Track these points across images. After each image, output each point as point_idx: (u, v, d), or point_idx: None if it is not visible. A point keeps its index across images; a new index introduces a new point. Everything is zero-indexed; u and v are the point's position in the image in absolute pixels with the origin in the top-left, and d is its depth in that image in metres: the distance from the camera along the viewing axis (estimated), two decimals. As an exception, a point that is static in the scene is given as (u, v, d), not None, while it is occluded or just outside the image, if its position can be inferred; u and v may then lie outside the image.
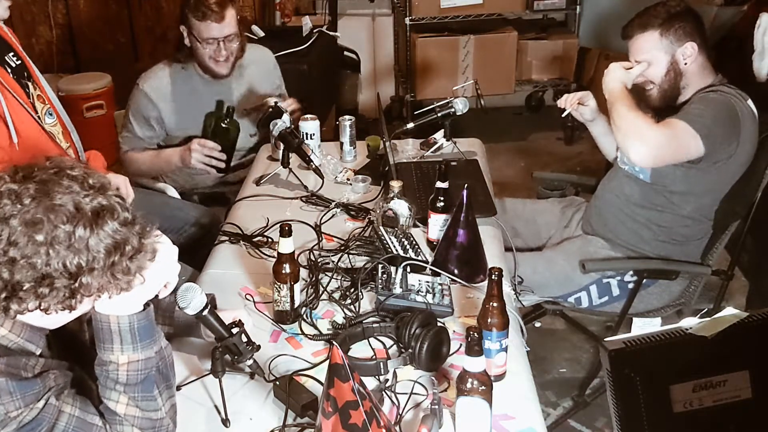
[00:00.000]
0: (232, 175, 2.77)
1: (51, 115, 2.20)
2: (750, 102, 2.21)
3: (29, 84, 2.17)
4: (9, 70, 2.09)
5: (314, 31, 4.13)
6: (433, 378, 1.57)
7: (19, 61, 2.17)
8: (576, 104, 2.43)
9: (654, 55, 2.22)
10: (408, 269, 1.85)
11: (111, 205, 1.17)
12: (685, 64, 2.21)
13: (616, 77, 2.24)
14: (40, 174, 1.16)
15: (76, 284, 1.15)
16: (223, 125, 2.66)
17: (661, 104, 2.29)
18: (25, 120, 2.06)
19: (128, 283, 1.21)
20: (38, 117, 2.13)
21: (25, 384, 1.18)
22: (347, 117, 2.65)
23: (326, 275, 1.93)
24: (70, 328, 1.40)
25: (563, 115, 2.48)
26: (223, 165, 2.62)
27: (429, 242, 2.08)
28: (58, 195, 1.13)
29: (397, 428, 1.45)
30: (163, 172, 2.80)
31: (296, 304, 1.77)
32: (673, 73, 2.22)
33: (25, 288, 1.13)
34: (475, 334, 1.34)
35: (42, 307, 1.15)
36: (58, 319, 1.23)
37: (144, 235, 1.22)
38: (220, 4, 2.56)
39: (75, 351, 1.38)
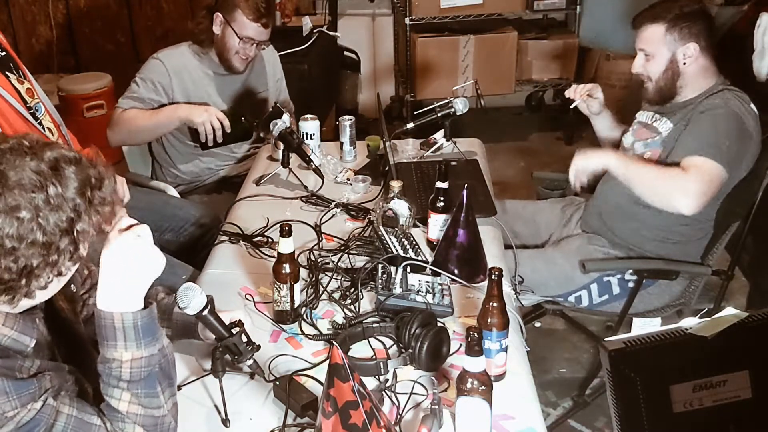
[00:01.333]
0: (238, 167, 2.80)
1: (39, 110, 2.19)
2: (752, 105, 2.21)
3: (11, 76, 2.14)
4: None
5: (314, 31, 4.13)
6: (433, 378, 1.57)
7: (3, 53, 2.15)
8: (585, 96, 2.43)
9: (656, 48, 2.23)
10: (408, 269, 1.85)
11: (59, 153, 1.20)
12: (684, 64, 2.22)
13: (597, 161, 2.26)
14: None
15: (75, 235, 1.18)
16: (243, 120, 2.67)
17: (656, 99, 2.31)
18: (5, 111, 2.04)
19: (112, 212, 1.24)
20: (29, 108, 2.11)
21: (20, 384, 1.19)
22: (347, 117, 2.65)
23: (326, 275, 1.93)
24: (66, 319, 1.41)
25: (571, 106, 2.47)
26: (219, 140, 2.60)
27: (429, 242, 2.08)
28: (11, 171, 1.15)
29: (397, 428, 1.45)
30: (157, 131, 2.71)
31: (296, 304, 1.77)
32: (671, 72, 2.23)
33: (37, 265, 1.16)
34: (475, 334, 1.34)
35: (56, 273, 1.20)
36: (54, 285, 1.25)
37: (95, 164, 1.24)
38: (270, 10, 2.64)
39: (72, 352, 1.38)
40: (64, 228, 1.17)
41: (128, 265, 1.25)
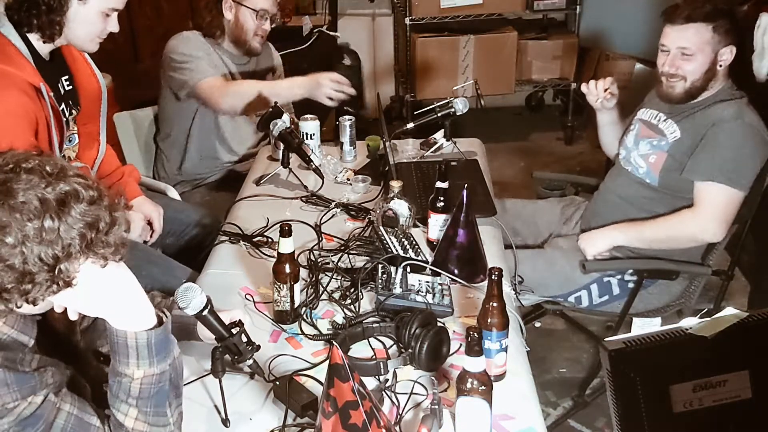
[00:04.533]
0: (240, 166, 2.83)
1: (71, 140, 2.20)
2: (756, 113, 2.21)
3: (70, 110, 2.16)
4: (54, 95, 2.07)
5: (314, 31, 4.13)
6: (433, 378, 1.57)
7: (71, 87, 2.18)
8: (608, 95, 2.40)
9: (701, 48, 2.17)
10: (408, 269, 1.85)
11: (74, 189, 1.15)
12: (720, 66, 2.20)
13: (602, 243, 2.31)
14: None
15: (56, 272, 1.13)
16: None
17: (682, 99, 2.25)
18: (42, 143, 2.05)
19: (113, 254, 1.19)
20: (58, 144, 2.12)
21: (22, 377, 1.18)
22: (347, 117, 2.65)
23: (326, 275, 1.93)
24: (61, 332, 1.39)
25: (596, 101, 2.42)
26: (353, 93, 2.66)
27: (429, 242, 2.08)
28: (20, 192, 1.11)
29: (397, 428, 1.45)
30: (277, 97, 2.58)
31: (296, 304, 1.77)
32: (710, 72, 2.20)
33: (9, 288, 1.12)
34: (475, 334, 1.34)
35: (29, 301, 1.15)
36: (45, 306, 1.22)
37: (114, 208, 1.20)
38: None
39: (66, 354, 1.37)
40: (48, 263, 1.12)
41: (101, 289, 1.20)
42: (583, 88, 2.44)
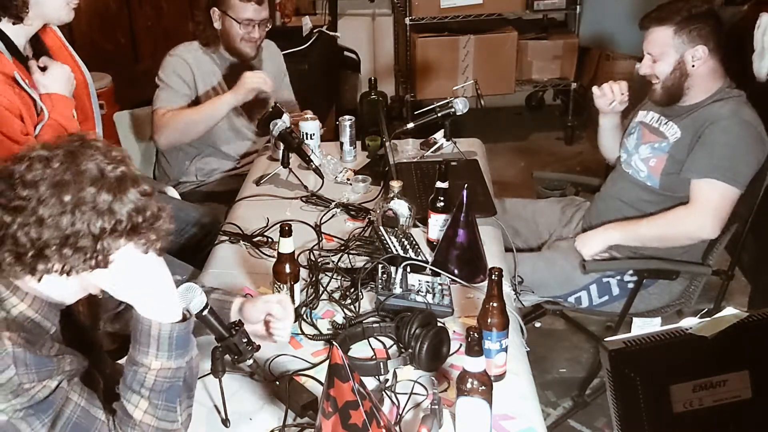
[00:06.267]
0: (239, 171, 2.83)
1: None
2: (754, 111, 2.21)
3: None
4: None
5: (314, 31, 4.13)
6: (433, 378, 1.57)
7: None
8: (625, 99, 2.39)
9: (664, 51, 2.21)
10: (408, 269, 1.85)
11: (132, 174, 1.24)
12: (693, 66, 2.20)
13: (598, 243, 2.32)
14: (66, 145, 1.22)
15: (98, 246, 1.18)
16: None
17: (663, 101, 2.29)
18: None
19: (153, 243, 1.25)
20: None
21: (41, 360, 1.20)
22: (347, 117, 2.65)
23: (326, 275, 1.93)
24: (82, 326, 1.41)
25: (610, 106, 2.41)
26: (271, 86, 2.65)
27: (429, 242, 2.08)
28: (84, 161, 1.19)
29: (397, 428, 1.45)
30: (211, 121, 2.66)
31: (296, 304, 1.77)
32: (679, 72, 2.21)
33: (51, 247, 1.16)
34: (475, 335, 1.34)
35: (65, 269, 1.18)
36: (75, 290, 1.27)
37: (162, 207, 1.28)
38: None
39: (84, 349, 1.38)
40: (93, 234, 1.17)
41: (134, 276, 1.24)
42: (596, 90, 2.41)
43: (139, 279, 1.25)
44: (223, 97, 2.64)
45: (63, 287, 1.25)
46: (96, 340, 1.45)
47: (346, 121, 2.63)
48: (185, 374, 1.29)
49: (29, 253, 1.17)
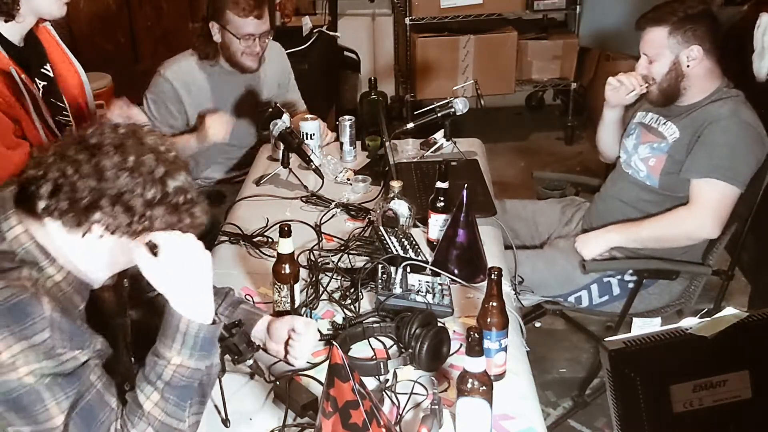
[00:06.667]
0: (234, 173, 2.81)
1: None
2: (753, 111, 2.21)
3: (59, 104, 2.13)
4: (41, 87, 2.04)
5: (314, 31, 4.13)
6: (433, 378, 1.57)
7: (45, 83, 2.13)
8: (645, 87, 2.33)
9: (659, 51, 2.22)
10: (408, 269, 1.85)
11: (183, 162, 1.33)
12: (688, 66, 2.20)
13: (599, 245, 2.32)
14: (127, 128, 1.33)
15: (146, 213, 1.26)
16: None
17: (659, 102, 2.29)
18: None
19: (189, 226, 1.32)
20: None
21: (76, 329, 1.25)
22: (347, 117, 2.65)
23: (326, 275, 1.93)
24: (107, 314, 1.46)
25: (629, 95, 2.34)
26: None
27: (429, 242, 2.08)
28: (145, 137, 1.31)
29: (398, 428, 1.45)
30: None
31: (296, 304, 1.77)
32: (675, 73, 2.22)
33: (105, 199, 1.24)
34: (476, 335, 1.34)
35: (110, 227, 1.25)
36: (105, 263, 1.33)
37: (200, 199, 1.36)
38: (259, 1, 2.60)
39: (108, 337, 1.41)
40: (146, 198, 1.25)
41: (181, 270, 1.28)
42: (613, 81, 2.36)
43: (186, 273, 1.27)
44: (190, 142, 2.60)
45: (96, 255, 1.31)
46: (117, 330, 1.47)
47: (346, 122, 2.63)
48: (202, 378, 1.30)
49: (84, 200, 1.23)
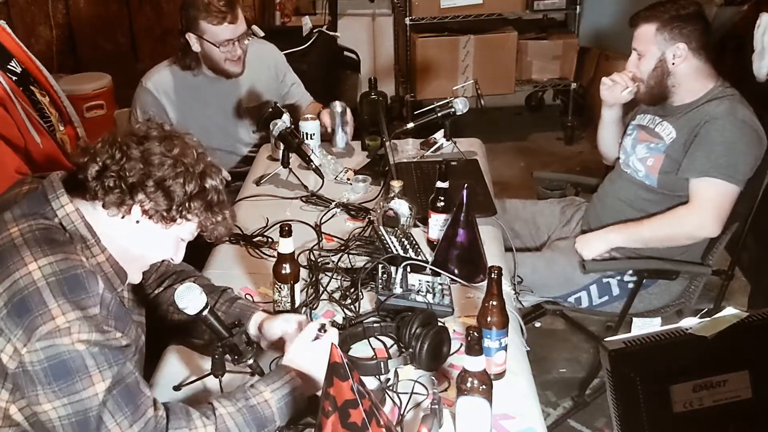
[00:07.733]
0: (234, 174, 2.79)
1: (61, 123, 2.19)
2: (750, 109, 2.21)
3: (35, 91, 2.13)
4: (15, 80, 2.05)
5: (314, 31, 4.12)
6: (434, 378, 1.57)
7: (20, 69, 2.13)
8: (635, 86, 2.34)
9: (647, 47, 2.25)
10: (408, 269, 1.85)
11: (218, 167, 1.43)
12: (673, 64, 2.22)
13: (599, 246, 2.32)
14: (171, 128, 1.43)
15: (185, 204, 1.35)
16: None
17: (648, 100, 2.31)
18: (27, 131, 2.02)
19: (213, 227, 1.41)
20: (51, 125, 2.10)
21: (121, 310, 1.34)
22: (338, 102, 2.66)
23: (326, 275, 1.93)
24: (139, 304, 1.53)
25: (625, 92, 2.34)
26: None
27: (429, 242, 2.08)
28: (187, 138, 1.41)
29: (398, 428, 1.45)
30: None
31: (296, 304, 1.77)
32: (661, 70, 2.24)
33: (150, 180, 1.32)
34: (475, 334, 1.34)
35: (149, 211, 1.34)
36: (143, 247, 1.41)
37: (229, 203, 1.45)
38: (230, 5, 2.56)
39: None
40: (186, 189, 1.34)
41: (311, 369, 1.45)
42: (606, 81, 2.37)
43: (323, 364, 1.27)
44: None
45: (131, 241, 1.38)
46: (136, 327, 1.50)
47: (338, 108, 2.63)
48: (268, 425, 1.40)
49: (130, 180, 1.31)
